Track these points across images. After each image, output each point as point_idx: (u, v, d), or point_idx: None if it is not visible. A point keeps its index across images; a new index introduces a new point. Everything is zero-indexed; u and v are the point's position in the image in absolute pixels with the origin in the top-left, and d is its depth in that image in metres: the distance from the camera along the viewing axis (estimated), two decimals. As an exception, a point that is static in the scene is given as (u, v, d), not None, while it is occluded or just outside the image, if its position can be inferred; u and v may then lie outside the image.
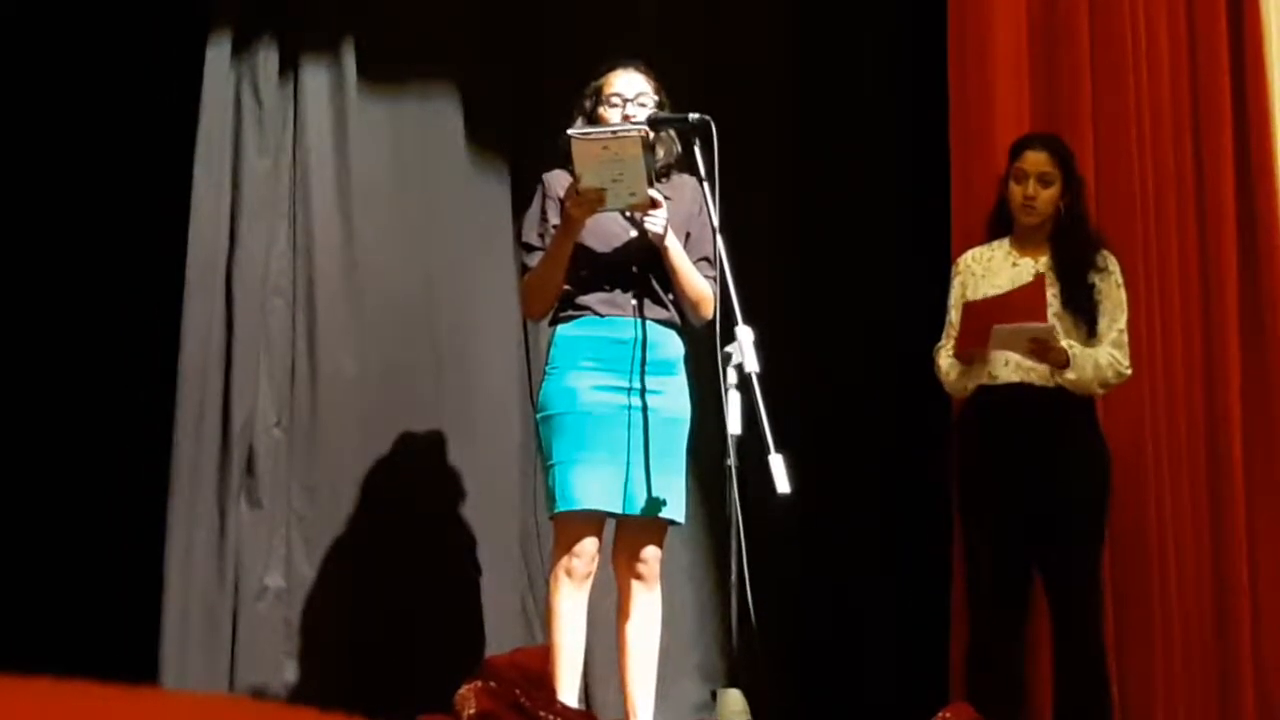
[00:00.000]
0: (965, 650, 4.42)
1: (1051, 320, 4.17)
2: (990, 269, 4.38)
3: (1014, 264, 4.36)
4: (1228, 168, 4.94)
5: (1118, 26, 4.88)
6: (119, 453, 4.49)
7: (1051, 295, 4.22)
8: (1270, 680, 4.76)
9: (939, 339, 4.42)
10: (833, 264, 5.15)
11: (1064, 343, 4.20)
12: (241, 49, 4.66)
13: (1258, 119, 4.94)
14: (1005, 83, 4.79)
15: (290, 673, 4.57)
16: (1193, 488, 4.80)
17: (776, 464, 3.47)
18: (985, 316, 4.17)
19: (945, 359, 4.36)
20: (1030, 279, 4.25)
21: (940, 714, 3.98)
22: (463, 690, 3.67)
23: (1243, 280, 4.92)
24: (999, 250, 4.41)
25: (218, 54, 4.61)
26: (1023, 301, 4.15)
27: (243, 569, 4.54)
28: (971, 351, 4.24)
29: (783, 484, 3.46)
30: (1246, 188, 4.94)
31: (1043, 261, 4.33)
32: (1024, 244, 4.38)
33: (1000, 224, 4.44)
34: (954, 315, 4.40)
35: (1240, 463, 4.84)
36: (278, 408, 4.64)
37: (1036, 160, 4.32)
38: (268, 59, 4.69)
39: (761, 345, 3.60)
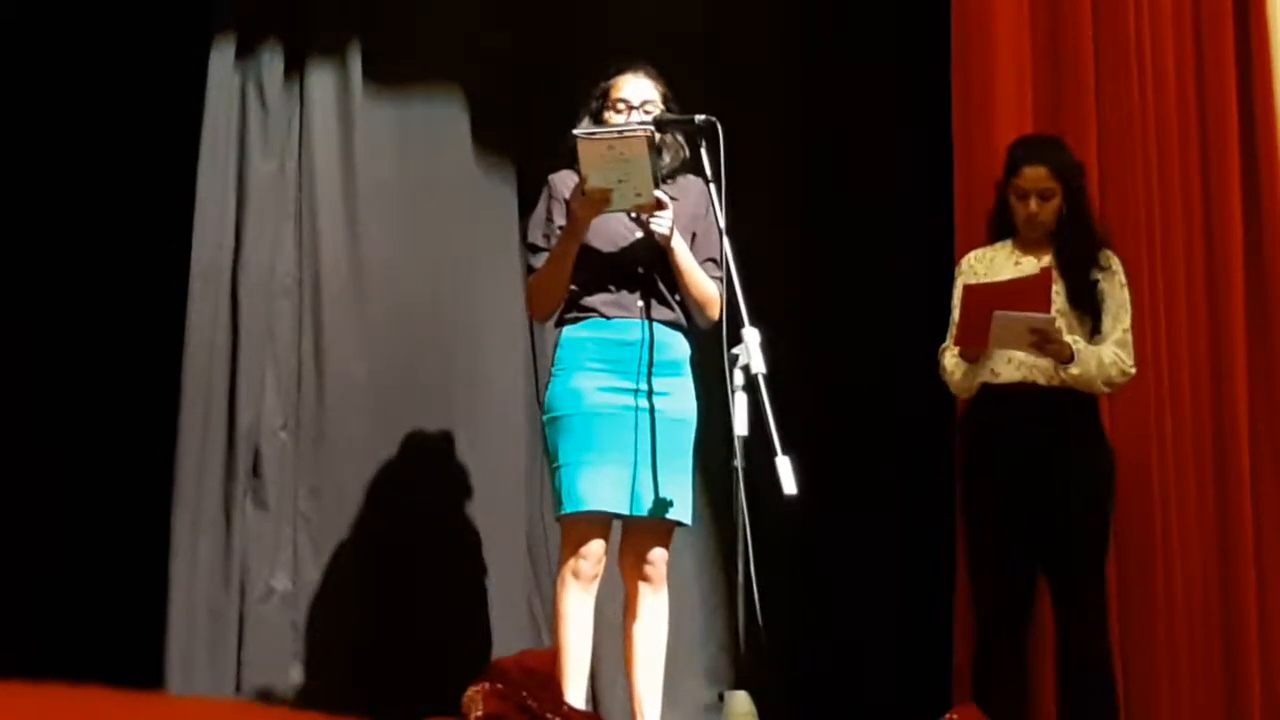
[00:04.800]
0: (970, 651, 4.41)
1: (1055, 318, 4.15)
2: (993, 269, 4.36)
3: (1016, 263, 4.34)
4: (1233, 166, 4.92)
5: (1122, 27, 4.86)
6: (124, 455, 4.50)
7: (1055, 293, 4.21)
8: (1277, 680, 4.75)
9: (943, 341, 4.41)
10: (838, 266, 5.14)
11: (1068, 338, 4.19)
12: (246, 52, 4.67)
13: (1263, 117, 4.92)
14: (1008, 83, 4.77)
15: (297, 675, 4.58)
16: (1199, 487, 4.78)
17: (783, 466, 3.47)
18: (987, 301, 4.13)
19: (950, 359, 4.34)
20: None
21: (947, 716, 3.97)
22: (469, 692, 3.67)
23: (1249, 279, 4.90)
24: (1001, 251, 4.40)
25: (222, 56, 4.62)
26: (1026, 290, 4.12)
27: (249, 572, 4.54)
28: (973, 349, 4.23)
29: (789, 485, 3.46)
30: (1253, 186, 4.92)
31: (1046, 260, 4.31)
32: (1027, 244, 4.36)
33: (1001, 226, 4.42)
34: (957, 315, 4.39)
35: (1247, 462, 4.82)
36: (284, 410, 4.65)
37: (1035, 176, 4.27)
38: (273, 61, 4.69)
39: (768, 347, 3.59)
